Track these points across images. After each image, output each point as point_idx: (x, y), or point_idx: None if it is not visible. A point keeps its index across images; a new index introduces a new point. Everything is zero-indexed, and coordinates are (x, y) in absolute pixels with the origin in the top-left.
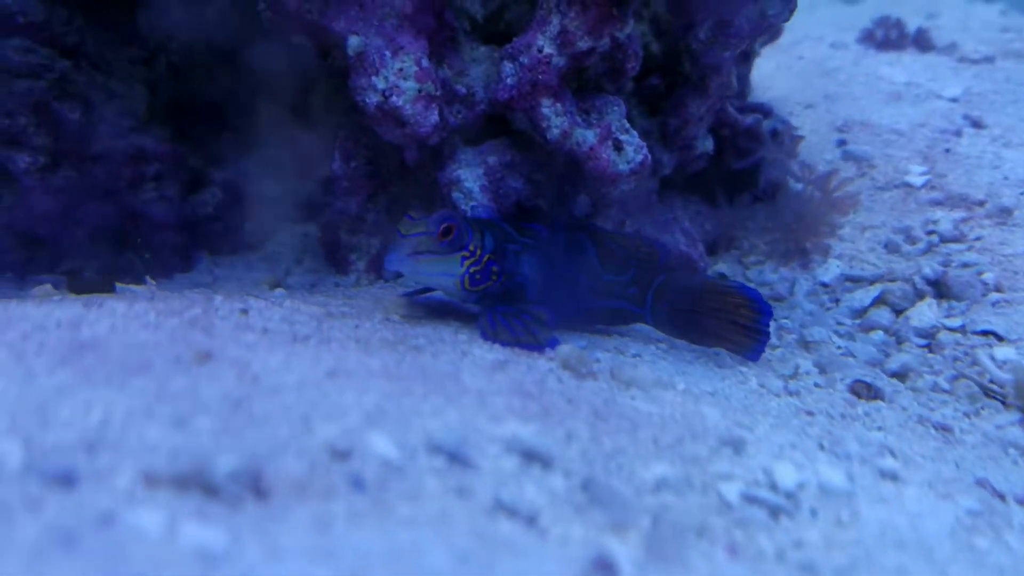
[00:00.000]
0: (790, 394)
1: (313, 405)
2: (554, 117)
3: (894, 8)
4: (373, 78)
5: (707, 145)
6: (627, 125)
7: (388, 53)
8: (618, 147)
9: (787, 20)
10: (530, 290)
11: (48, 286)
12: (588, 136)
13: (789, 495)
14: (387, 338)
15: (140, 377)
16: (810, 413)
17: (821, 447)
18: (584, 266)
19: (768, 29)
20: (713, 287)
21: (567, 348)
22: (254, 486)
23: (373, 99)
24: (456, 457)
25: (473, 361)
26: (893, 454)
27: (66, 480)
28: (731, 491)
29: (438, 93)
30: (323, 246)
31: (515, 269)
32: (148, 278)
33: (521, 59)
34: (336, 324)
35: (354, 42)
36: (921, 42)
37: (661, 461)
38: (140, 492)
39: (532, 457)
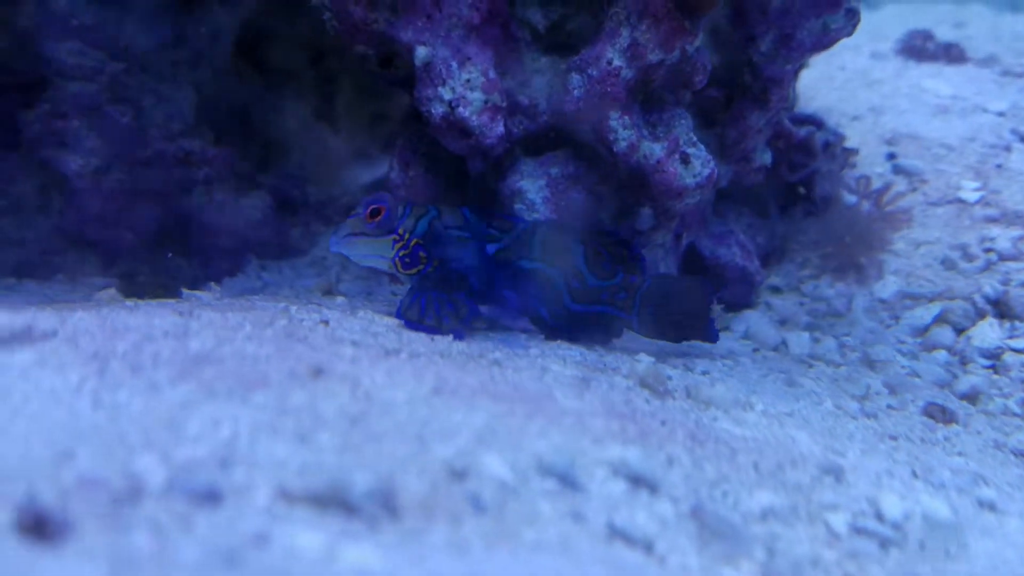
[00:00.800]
0: (867, 416)
1: (425, 423)
2: (621, 130)
3: (916, 15)
4: (439, 89)
5: (765, 158)
6: (694, 138)
7: (455, 64)
8: (685, 160)
9: (850, 35)
10: (473, 279)
11: (112, 290)
12: (655, 149)
13: (896, 526)
14: (465, 351)
15: (260, 392)
16: (893, 438)
17: (915, 475)
18: (567, 266)
19: (831, 43)
20: (687, 285)
21: (644, 365)
22: (387, 505)
23: (439, 109)
24: (566, 480)
25: (555, 378)
26: (986, 483)
27: (209, 497)
28: (838, 521)
29: (504, 104)
30: None
31: (451, 256)
32: (212, 284)
33: (589, 71)
34: (412, 336)
35: (421, 53)
36: (955, 54)
37: (765, 489)
38: (281, 510)
39: (639, 482)
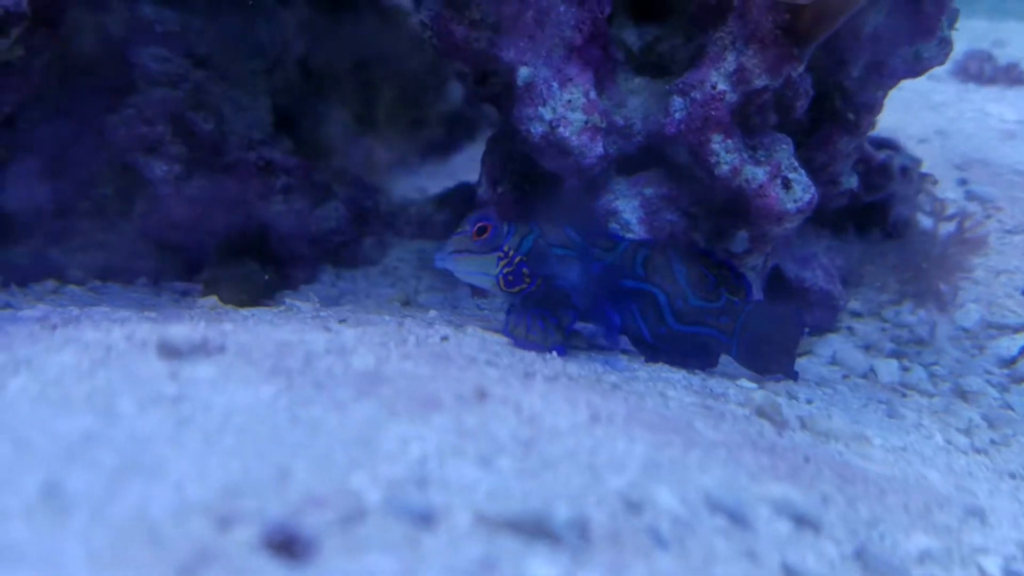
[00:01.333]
0: (977, 452)
1: (592, 452)
2: (724, 153)
3: (956, 34)
4: (540, 108)
5: (852, 182)
6: (796, 163)
7: (556, 84)
8: (787, 185)
9: (942, 63)
10: (576, 298)
11: (214, 298)
12: (758, 174)
13: None
14: (583, 375)
15: (437, 413)
16: (1012, 476)
17: None
18: (670, 286)
19: (923, 72)
20: (783, 314)
21: (761, 394)
22: (584, 536)
23: (539, 129)
24: (735, 517)
25: (679, 404)
26: None
27: (424, 518)
28: (992, 565)
29: (603, 125)
30: None
31: (554, 274)
32: (312, 295)
33: (693, 95)
34: (528, 355)
35: (524, 72)
36: (1015, 76)
37: (918, 531)
38: (484, 534)
39: (802, 521)
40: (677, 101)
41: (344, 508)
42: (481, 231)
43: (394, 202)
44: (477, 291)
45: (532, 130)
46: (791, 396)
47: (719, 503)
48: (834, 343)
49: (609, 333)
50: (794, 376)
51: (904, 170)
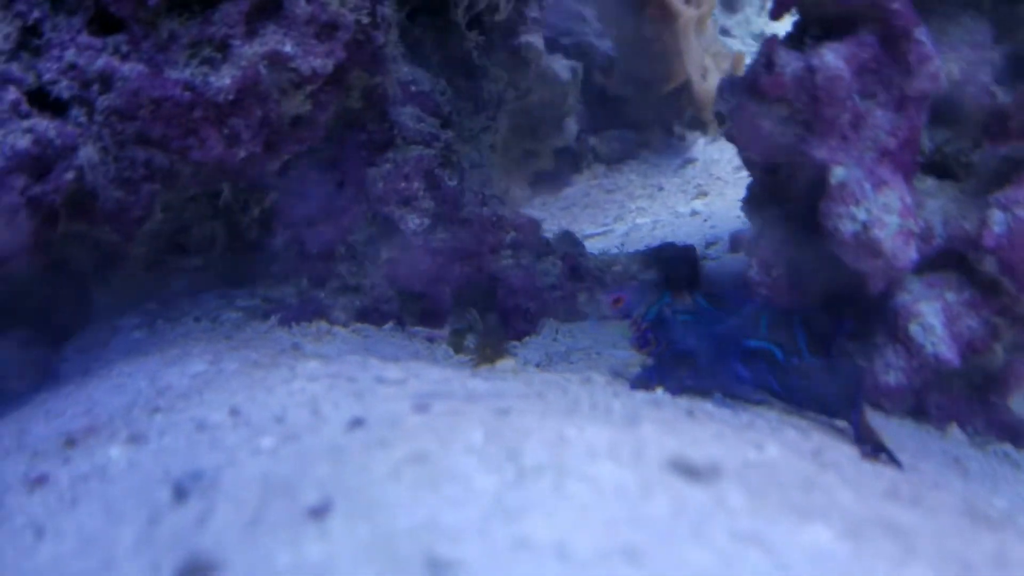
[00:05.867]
0: None
1: None
2: None
3: None
4: (852, 208)
5: None
6: None
7: (869, 186)
8: None
9: None
10: (700, 359)
11: (511, 360)
12: None
13: None
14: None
15: None
16: None
17: None
18: (789, 344)
19: None
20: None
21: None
22: None
23: (850, 227)
24: None
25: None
26: None
27: None
28: None
29: (917, 231)
30: None
31: (674, 339)
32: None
33: (1016, 211)
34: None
35: (839, 172)
36: None
37: None
38: None
39: None
40: (998, 215)
41: None
42: (616, 301)
43: (596, 256)
44: None
45: (842, 228)
46: None
47: None
48: None
49: (739, 385)
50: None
51: None
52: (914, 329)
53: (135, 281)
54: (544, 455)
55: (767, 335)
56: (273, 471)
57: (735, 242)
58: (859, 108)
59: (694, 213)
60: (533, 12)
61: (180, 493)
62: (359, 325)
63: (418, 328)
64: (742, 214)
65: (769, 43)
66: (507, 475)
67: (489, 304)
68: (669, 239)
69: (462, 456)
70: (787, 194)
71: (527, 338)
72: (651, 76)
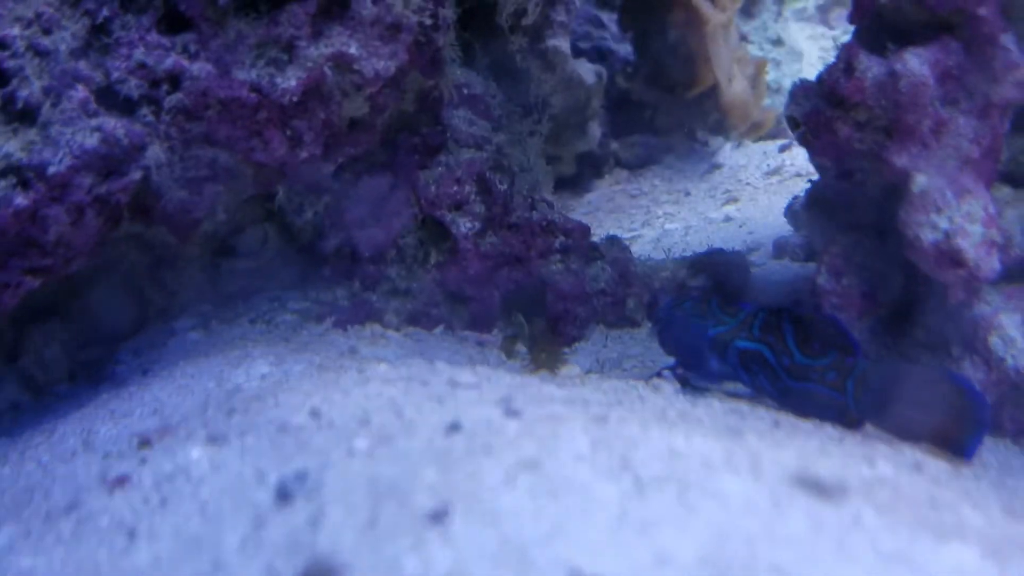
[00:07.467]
0: None
1: None
2: None
3: None
4: (934, 216)
5: None
6: None
7: (951, 194)
8: None
9: None
10: (689, 356)
11: (576, 368)
12: None
13: None
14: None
15: None
16: None
17: None
18: (778, 344)
19: None
20: (920, 374)
21: None
22: None
23: (930, 236)
24: None
25: None
26: None
27: None
28: None
29: (1001, 241)
30: None
31: (675, 338)
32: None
33: None
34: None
35: (921, 180)
36: None
37: None
38: None
39: None
40: None
41: None
42: (650, 305)
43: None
44: None
45: (921, 235)
46: None
47: None
48: None
49: (706, 377)
50: (963, 455)
51: None
52: (994, 341)
53: (189, 282)
54: (659, 466)
55: (759, 336)
56: (378, 473)
57: (779, 248)
58: (942, 115)
59: (727, 219)
60: (560, 16)
61: (283, 495)
62: (411, 329)
63: (468, 332)
64: (783, 220)
65: (849, 48)
66: (625, 485)
67: (537, 309)
68: (705, 245)
69: (573, 464)
70: (859, 201)
71: (576, 344)
72: (676, 81)
